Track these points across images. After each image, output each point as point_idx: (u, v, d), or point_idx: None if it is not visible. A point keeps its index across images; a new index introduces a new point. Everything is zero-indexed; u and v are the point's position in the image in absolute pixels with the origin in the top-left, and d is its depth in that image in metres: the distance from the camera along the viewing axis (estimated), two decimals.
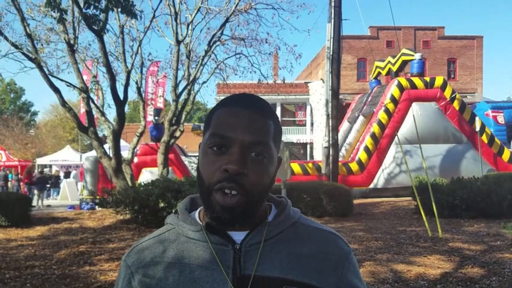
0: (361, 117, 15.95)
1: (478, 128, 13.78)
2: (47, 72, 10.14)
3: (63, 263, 6.11)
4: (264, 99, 0.84)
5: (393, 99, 14.65)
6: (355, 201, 11.40)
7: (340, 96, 12.67)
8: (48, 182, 17.76)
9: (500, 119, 17.56)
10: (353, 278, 0.85)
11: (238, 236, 0.81)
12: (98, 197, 11.96)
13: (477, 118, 14.38)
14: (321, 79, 22.66)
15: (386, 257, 5.76)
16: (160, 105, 17.11)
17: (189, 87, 12.92)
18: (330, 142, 11.86)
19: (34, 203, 15.57)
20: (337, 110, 12.04)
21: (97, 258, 6.31)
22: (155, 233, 0.90)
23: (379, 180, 14.31)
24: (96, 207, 11.92)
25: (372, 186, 14.23)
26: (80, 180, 14.35)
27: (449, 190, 9.22)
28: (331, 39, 11.90)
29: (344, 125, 17.28)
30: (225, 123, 0.78)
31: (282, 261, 0.80)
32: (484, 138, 14.59)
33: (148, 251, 0.86)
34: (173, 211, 7.81)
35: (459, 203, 8.87)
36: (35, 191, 16.07)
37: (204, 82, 14.88)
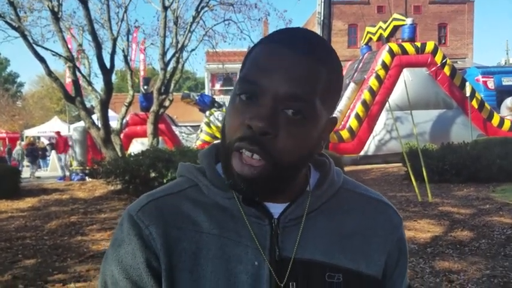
0: (352, 85, 15.84)
1: (468, 94, 13.78)
2: (31, 41, 9.85)
3: (54, 233, 6.09)
4: (325, 40, 0.66)
5: (384, 66, 14.51)
6: (346, 169, 11.47)
7: None
8: (38, 154, 17.62)
9: (490, 84, 17.58)
10: (402, 259, 0.74)
11: (276, 208, 0.68)
12: (87, 168, 11.86)
13: (467, 83, 14.37)
14: None
15: None
16: (142, 73, 16.80)
17: (177, 55, 12.63)
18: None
19: (26, 174, 15.55)
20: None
21: (89, 228, 6.29)
22: (170, 188, 0.72)
23: (369, 147, 14.38)
24: (87, 178, 11.84)
25: (362, 153, 14.31)
26: (58, 151, 14.11)
27: (439, 155, 9.29)
28: (322, 3, 11.61)
29: None
30: (259, 65, 0.61)
31: (325, 241, 0.68)
32: (474, 103, 14.64)
33: (169, 210, 0.69)
34: (164, 181, 7.77)
35: (449, 168, 8.96)
36: (25, 163, 16.01)
37: (193, 50, 14.59)
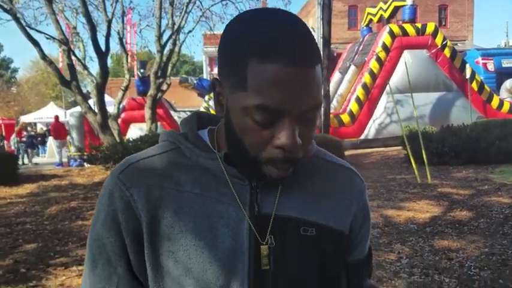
0: (352, 67, 15.71)
1: (468, 76, 13.69)
2: (24, 24, 9.67)
3: (54, 218, 6.09)
4: (311, 34, 0.65)
5: (385, 47, 14.38)
6: (346, 153, 11.45)
7: (331, 46, 12.36)
8: (36, 140, 17.57)
9: (490, 66, 17.46)
10: (365, 223, 0.81)
11: None
12: (85, 154, 11.81)
13: (467, 65, 14.26)
14: (311, 28, 22.07)
15: (376, 204, 5.83)
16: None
17: (174, 37, 12.46)
18: (321, 94, 11.69)
19: (25, 161, 15.52)
20: (329, 60, 11.78)
21: (89, 213, 6.29)
22: (152, 150, 0.76)
23: (369, 131, 14.34)
24: (85, 164, 11.81)
25: (362, 137, 14.28)
26: (59, 137, 13.97)
27: (439, 138, 9.28)
28: None
29: (335, 76, 17.04)
30: (272, 92, 0.60)
31: (299, 200, 0.74)
32: (474, 85, 14.57)
33: (151, 171, 0.72)
34: None
35: (448, 150, 8.96)
36: (29, 150, 15.99)
37: (190, 31, 14.34)
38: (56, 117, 14.28)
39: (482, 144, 8.77)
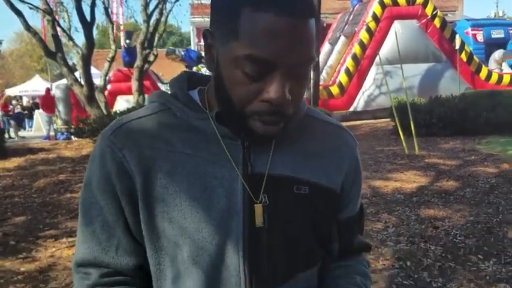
0: (342, 38, 15.53)
1: (457, 46, 13.66)
2: None
3: (43, 191, 6.05)
4: None
5: (375, 17, 14.19)
6: None
7: (321, 17, 12.15)
8: (23, 115, 17.29)
9: (480, 37, 17.40)
10: (357, 178, 0.82)
11: None
12: (72, 127, 11.65)
13: (457, 36, 14.18)
14: None
15: (364, 175, 5.88)
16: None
17: (160, 6, 12.12)
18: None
19: (11, 134, 15.28)
20: (318, 31, 11.57)
21: (78, 186, 6.26)
22: (142, 111, 0.75)
23: (359, 103, 14.33)
24: (72, 137, 11.66)
25: (352, 109, 14.28)
26: (45, 110, 13.67)
27: (427, 109, 9.30)
28: None
29: (325, 47, 16.84)
30: (263, 42, 0.59)
31: (292, 159, 0.74)
32: (463, 56, 14.55)
33: (142, 132, 0.71)
34: None
35: (436, 122, 9.01)
36: (12, 122, 15.72)
37: (177, 0, 13.95)
38: (47, 90, 13.93)
39: (470, 115, 8.84)
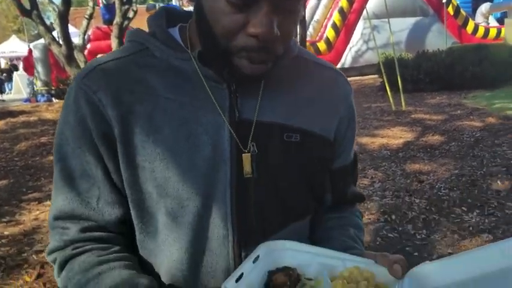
0: None
1: (444, 0, 13.42)
2: None
3: (25, 154, 5.94)
4: None
5: None
6: None
7: None
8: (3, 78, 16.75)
9: None
10: (351, 126, 0.78)
11: None
12: (53, 88, 11.31)
13: None
14: None
15: None
16: None
17: None
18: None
19: None
20: None
21: None
22: (118, 52, 0.68)
23: (346, 59, 14.16)
24: (53, 98, 11.35)
25: (339, 66, 14.09)
26: (28, 72, 13.21)
27: (414, 64, 9.25)
28: None
29: (311, 1, 16.36)
30: None
31: (282, 105, 0.69)
32: (450, 9, 14.35)
33: (119, 74, 0.65)
34: None
35: (423, 77, 8.99)
36: None
37: None
38: (30, 51, 13.37)
39: (457, 69, 8.81)
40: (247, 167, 0.65)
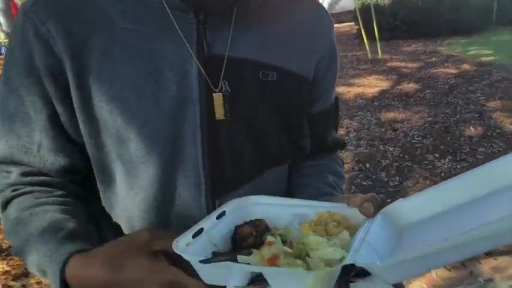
0: None
1: None
2: None
3: None
4: None
5: None
6: None
7: None
8: None
9: None
10: (332, 64, 0.72)
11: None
12: None
13: None
14: None
15: None
16: None
17: None
18: None
19: None
20: None
21: None
22: None
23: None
24: None
25: None
26: None
27: (391, 11, 9.09)
28: None
29: None
30: None
31: (257, 40, 0.62)
32: None
33: (71, 2, 0.57)
34: None
35: (400, 24, 8.87)
36: None
37: None
38: None
39: (433, 16, 8.70)
40: (218, 108, 0.59)
